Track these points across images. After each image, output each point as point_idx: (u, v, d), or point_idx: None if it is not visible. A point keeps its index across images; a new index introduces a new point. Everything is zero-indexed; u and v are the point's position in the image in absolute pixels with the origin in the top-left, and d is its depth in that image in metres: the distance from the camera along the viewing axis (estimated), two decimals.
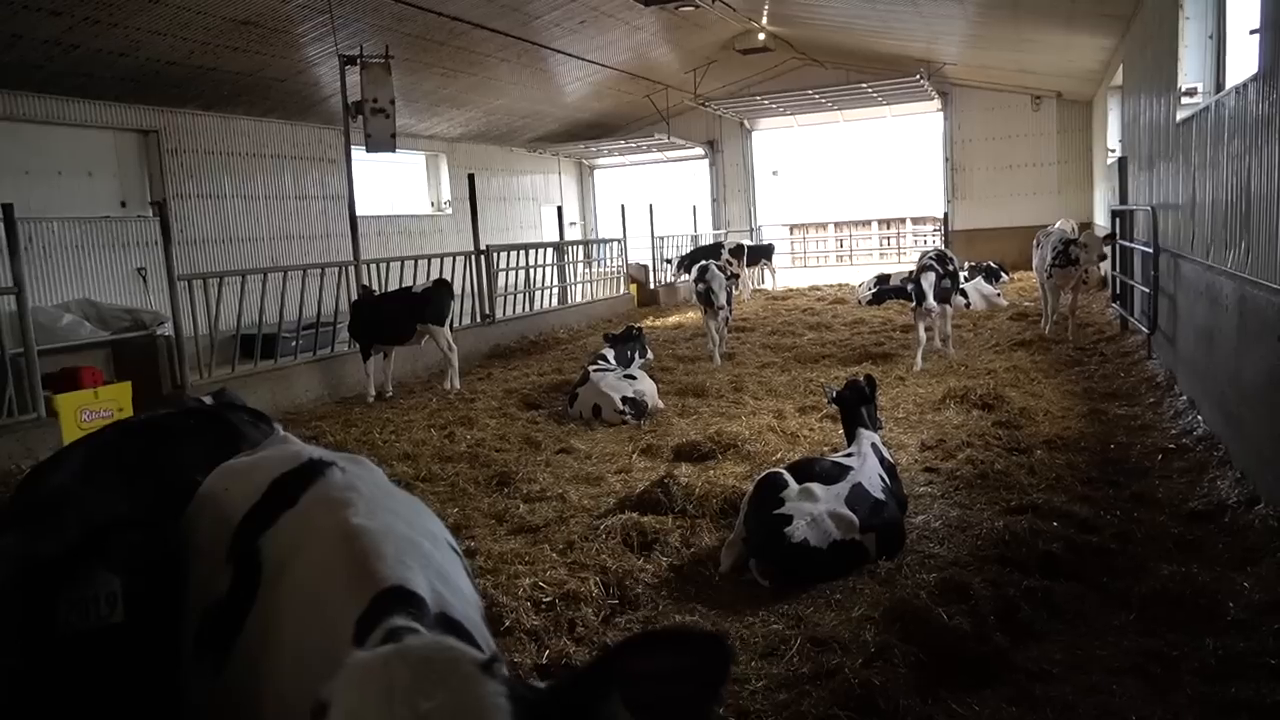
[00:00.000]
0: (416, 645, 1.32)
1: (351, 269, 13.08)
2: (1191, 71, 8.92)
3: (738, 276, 19.08)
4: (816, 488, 5.06)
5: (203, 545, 2.23)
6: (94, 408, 9.23)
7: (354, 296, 12.49)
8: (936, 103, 23.48)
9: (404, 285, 12.59)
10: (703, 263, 13.03)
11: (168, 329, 10.63)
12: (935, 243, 25.28)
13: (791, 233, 28.98)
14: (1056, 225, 18.47)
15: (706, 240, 25.37)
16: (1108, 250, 12.48)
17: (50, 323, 10.67)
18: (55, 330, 10.66)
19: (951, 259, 12.04)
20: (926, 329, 10.93)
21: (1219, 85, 8.39)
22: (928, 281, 10.44)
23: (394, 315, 11.31)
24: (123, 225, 14.22)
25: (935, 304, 10.52)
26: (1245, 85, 6.26)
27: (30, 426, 8.51)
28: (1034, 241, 13.81)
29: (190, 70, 13.68)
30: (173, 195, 14.73)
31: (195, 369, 10.37)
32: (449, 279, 12.27)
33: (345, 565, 1.69)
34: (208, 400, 3.41)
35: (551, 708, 1.31)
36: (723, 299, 11.99)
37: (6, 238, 8.65)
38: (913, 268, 11.56)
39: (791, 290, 21.72)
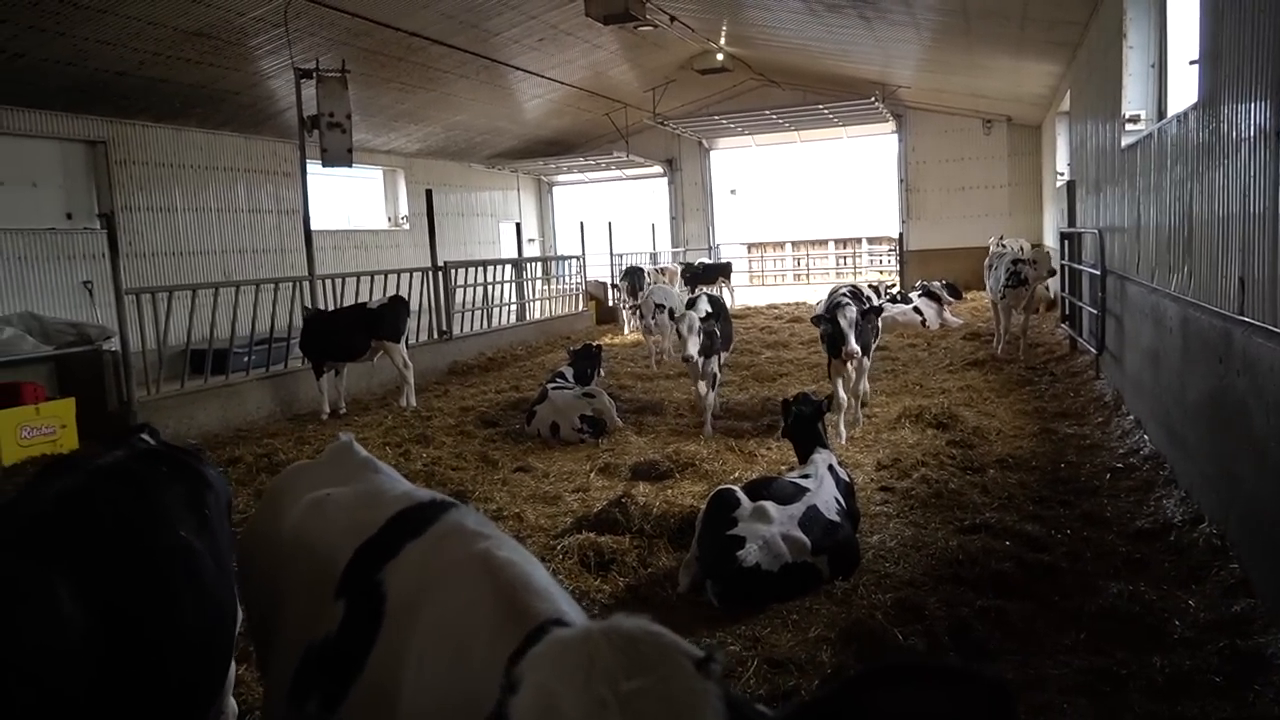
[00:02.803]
0: (624, 624, 1.16)
1: (306, 284, 12.91)
2: (1135, 99, 9.17)
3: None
4: (770, 508, 5.07)
5: (297, 580, 2.12)
6: (35, 424, 8.98)
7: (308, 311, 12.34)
8: (891, 125, 23.88)
9: (359, 301, 12.45)
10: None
11: (114, 344, 10.38)
12: (890, 262, 25.67)
13: (749, 251, 29.20)
14: (1006, 245, 18.92)
15: (665, 259, 25.50)
16: (1056, 268, 12.75)
17: None
18: None
19: (868, 297, 10.02)
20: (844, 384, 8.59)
21: (1161, 113, 8.64)
22: (846, 319, 8.12)
23: (348, 331, 11.16)
24: (69, 237, 13.89)
25: (857, 348, 8.15)
26: (1186, 113, 6.45)
27: None
28: (986, 263, 14.11)
29: (141, 81, 13.44)
30: (121, 207, 14.45)
31: (143, 385, 10.13)
32: (406, 295, 12.17)
33: (493, 600, 1.55)
34: (149, 441, 3.20)
35: None
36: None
37: None
38: (820, 305, 9.38)
39: (749, 309, 21.85)
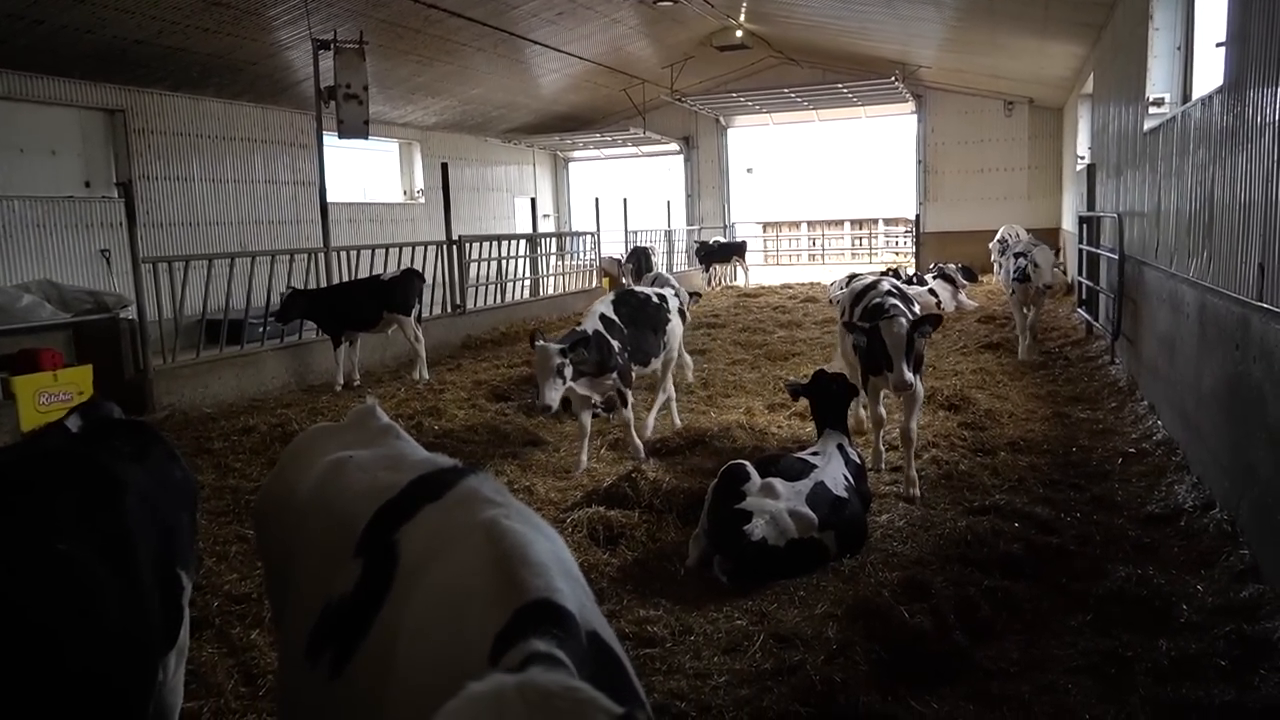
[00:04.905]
0: (543, 681, 1.10)
1: (322, 255, 12.95)
2: (1159, 82, 9.05)
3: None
4: (779, 484, 5.09)
5: (316, 538, 2.14)
6: (53, 390, 9.06)
7: (324, 283, 12.38)
8: (911, 105, 23.66)
9: (374, 273, 12.47)
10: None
11: (131, 312, 10.45)
12: (906, 244, 25.46)
13: (764, 230, 29.10)
14: (1009, 234, 18.79)
15: (680, 237, 25.43)
16: (1059, 271, 12.39)
17: (9, 303, 10.45)
18: (14, 311, 10.44)
19: (914, 293, 8.09)
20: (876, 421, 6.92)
21: (1185, 96, 8.53)
22: (894, 337, 6.01)
23: (361, 302, 11.21)
24: (87, 206, 13.96)
25: (912, 377, 6.05)
26: (1211, 97, 6.37)
27: None
28: (998, 252, 13.99)
29: (159, 50, 13.45)
30: (139, 176, 14.49)
31: (159, 353, 10.20)
32: (421, 268, 12.18)
33: (490, 570, 1.53)
34: (73, 425, 2.94)
35: None
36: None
37: None
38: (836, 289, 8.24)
39: (763, 288, 21.81)
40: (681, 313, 8.76)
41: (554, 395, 6.64)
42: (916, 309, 6.97)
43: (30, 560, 2.19)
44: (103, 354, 10.27)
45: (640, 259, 19.06)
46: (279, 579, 2.39)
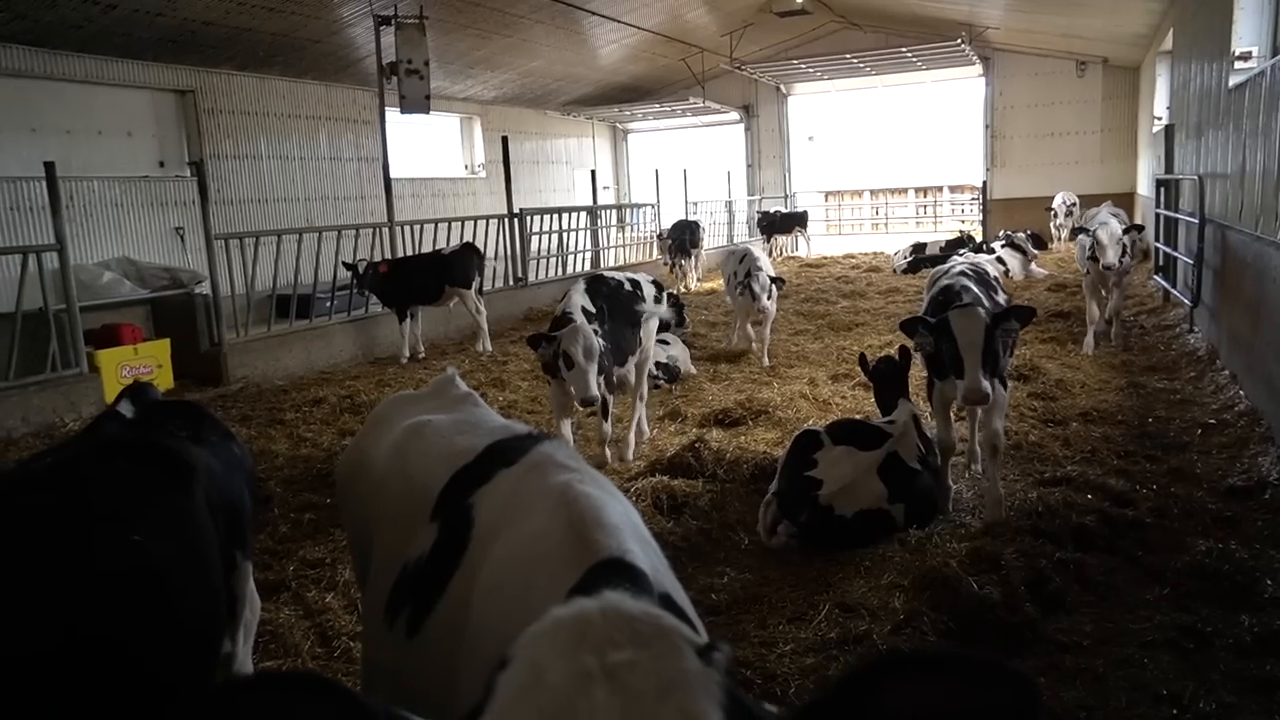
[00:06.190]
0: (624, 603, 1.10)
1: (386, 230, 13.14)
2: (1246, 35, 8.64)
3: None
4: (851, 452, 5.03)
5: (394, 501, 2.20)
6: (133, 363, 9.40)
7: (388, 256, 12.57)
8: (978, 68, 22.97)
9: (436, 248, 12.63)
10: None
11: (205, 287, 10.78)
12: (973, 211, 24.81)
13: (826, 200, 28.61)
14: (1062, 201, 18.13)
15: (741, 207, 25.18)
16: (1126, 256, 9.67)
17: (91, 280, 10.88)
18: (96, 287, 10.86)
19: (995, 278, 6.29)
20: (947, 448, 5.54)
21: (1275, 49, 8.13)
22: (970, 339, 4.85)
23: (423, 277, 11.39)
24: (161, 185, 14.36)
25: (989, 387, 4.85)
26: None
27: (73, 381, 8.70)
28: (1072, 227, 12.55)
29: (226, 30, 13.70)
30: (209, 155, 14.84)
31: (232, 327, 10.50)
32: (482, 241, 12.29)
33: (563, 532, 1.55)
34: (126, 410, 2.98)
35: None
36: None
37: (50, 195, 8.78)
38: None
39: (826, 258, 21.52)
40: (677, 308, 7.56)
41: (596, 383, 5.87)
42: (1000, 297, 5.83)
43: (110, 554, 2.23)
44: (179, 328, 10.63)
45: (684, 233, 18.17)
46: (361, 541, 2.46)
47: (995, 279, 6.22)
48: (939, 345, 5.02)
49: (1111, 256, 9.20)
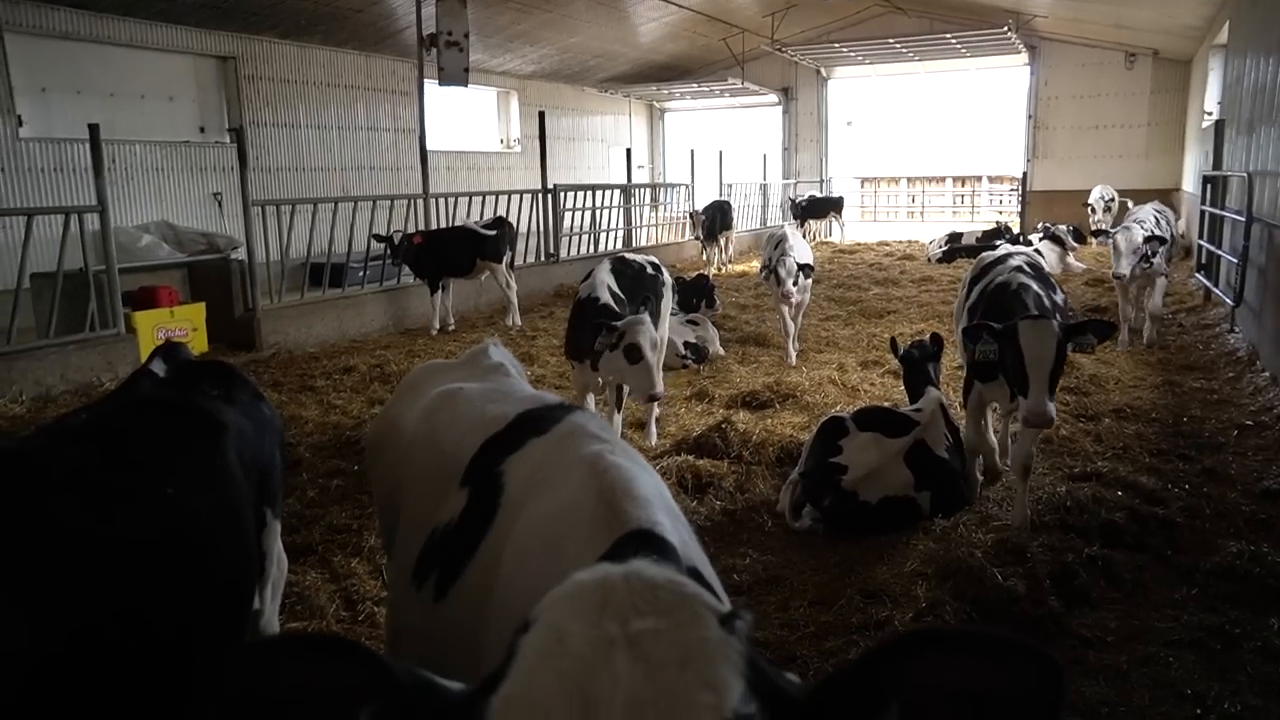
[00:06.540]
0: (647, 570, 1.09)
1: (420, 202, 13.19)
2: None
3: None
4: (878, 439, 5.01)
5: (425, 466, 2.22)
6: (170, 326, 9.54)
7: (421, 228, 12.63)
8: (1023, 56, 22.54)
9: (470, 221, 12.66)
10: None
11: (241, 253, 10.89)
12: (1011, 203, 24.44)
13: (862, 186, 28.31)
14: (1099, 197, 17.68)
15: (775, 190, 25.00)
16: (1155, 259, 9.09)
17: (130, 243, 11.03)
18: (135, 250, 11.02)
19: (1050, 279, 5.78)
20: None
21: None
22: (1037, 352, 4.46)
23: (455, 249, 11.44)
24: (201, 150, 14.51)
25: (1053, 409, 4.52)
26: None
27: (111, 341, 8.84)
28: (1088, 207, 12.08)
29: None
30: (249, 122, 14.95)
31: (266, 294, 10.61)
32: (515, 216, 12.31)
33: (593, 501, 1.55)
34: (159, 369, 3.02)
35: (799, 707, 1.04)
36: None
37: (93, 157, 8.90)
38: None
39: (859, 244, 21.35)
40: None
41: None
42: (1059, 296, 5.36)
43: (147, 505, 2.26)
44: (215, 292, 10.76)
45: (717, 214, 18.14)
46: (389, 508, 2.47)
47: (1054, 281, 5.87)
48: (1003, 355, 4.60)
49: (1125, 266, 8.83)
